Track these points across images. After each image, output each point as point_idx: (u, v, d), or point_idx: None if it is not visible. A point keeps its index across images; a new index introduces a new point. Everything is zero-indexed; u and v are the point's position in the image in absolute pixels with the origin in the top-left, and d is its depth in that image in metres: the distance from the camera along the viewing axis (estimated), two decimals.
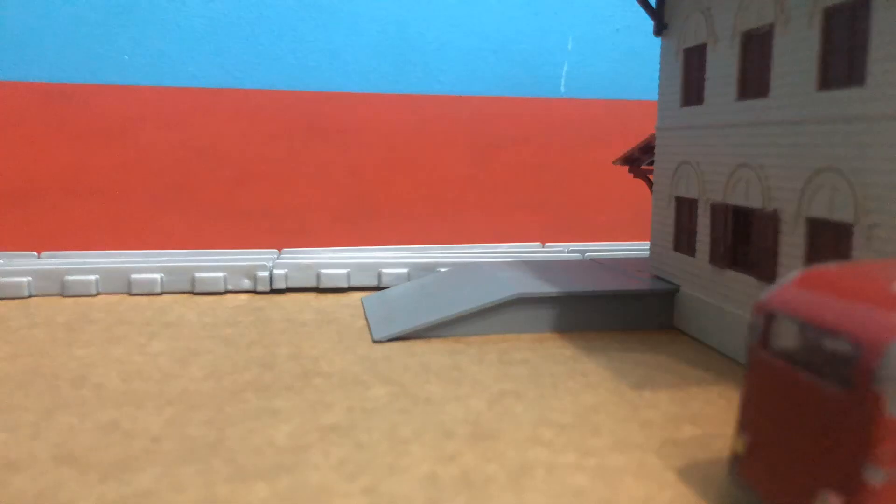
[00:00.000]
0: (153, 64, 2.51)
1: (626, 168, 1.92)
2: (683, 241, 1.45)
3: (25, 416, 0.97)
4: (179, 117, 2.51)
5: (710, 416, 0.98)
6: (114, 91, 2.49)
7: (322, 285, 1.74)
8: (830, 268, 0.73)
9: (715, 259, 1.32)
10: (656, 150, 1.57)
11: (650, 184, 1.68)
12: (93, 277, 1.65)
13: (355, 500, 0.75)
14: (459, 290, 1.50)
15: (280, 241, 2.13)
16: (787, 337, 0.69)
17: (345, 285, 1.75)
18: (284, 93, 2.58)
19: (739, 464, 0.73)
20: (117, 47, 2.50)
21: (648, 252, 1.61)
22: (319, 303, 1.65)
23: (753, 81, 1.22)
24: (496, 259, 1.90)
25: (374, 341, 1.32)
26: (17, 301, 1.61)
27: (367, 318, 1.48)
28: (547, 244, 2.16)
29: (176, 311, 1.56)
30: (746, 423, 0.73)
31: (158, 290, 1.68)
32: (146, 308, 1.58)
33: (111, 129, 2.47)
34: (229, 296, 1.70)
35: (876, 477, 0.57)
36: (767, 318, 0.71)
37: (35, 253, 1.88)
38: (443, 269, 1.76)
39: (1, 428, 0.93)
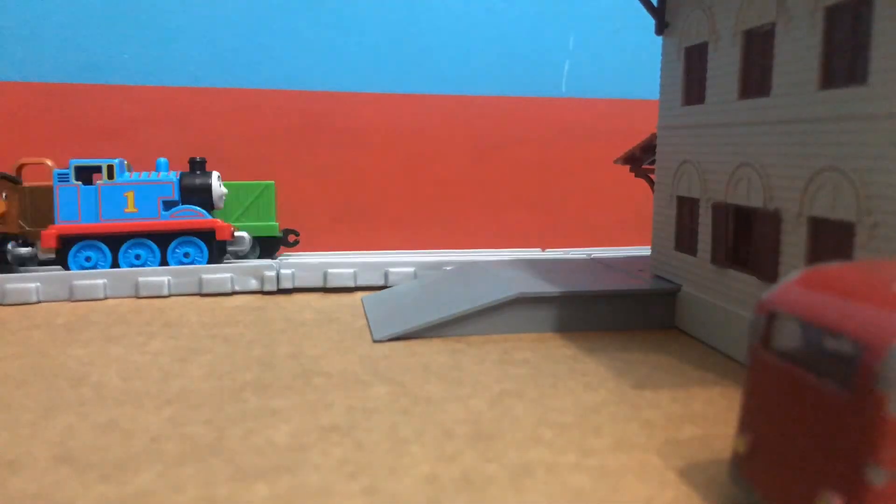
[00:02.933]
0: (153, 64, 2.51)
1: (627, 167, 1.92)
2: (685, 240, 1.45)
3: (25, 416, 0.96)
4: (179, 117, 2.50)
5: (711, 415, 0.98)
6: (114, 91, 2.49)
7: (329, 285, 1.73)
8: (832, 267, 0.73)
9: (716, 258, 1.32)
10: (657, 150, 1.56)
11: (651, 183, 1.67)
12: (100, 281, 1.65)
13: (355, 500, 0.75)
14: (460, 290, 1.50)
15: None
16: (788, 337, 0.69)
17: (351, 285, 1.74)
18: (284, 93, 2.58)
19: (741, 464, 0.72)
20: (117, 47, 2.50)
21: (650, 253, 1.60)
22: (320, 303, 1.65)
23: (755, 80, 1.22)
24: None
25: (375, 341, 1.32)
26: (24, 306, 1.60)
27: (367, 318, 1.48)
28: (547, 249, 2.15)
29: (176, 311, 1.55)
30: (748, 422, 0.72)
31: (166, 292, 1.67)
32: (146, 309, 1.57)
33: (111, 130, 2.47)
34: (233, 296, 1.70)
35: (877, 477, 0.57)
36: (769, 317, 0.71)
37: None
38: (446, 268, 1.76)
39: (1, 427, 0.93)
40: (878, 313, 0.60)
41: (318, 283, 1.74)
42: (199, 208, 1.78)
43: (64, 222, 1.73)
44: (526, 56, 2.75)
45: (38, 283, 1.63)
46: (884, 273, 0.69)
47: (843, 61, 1.02)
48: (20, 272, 1.74)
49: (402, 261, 1.80)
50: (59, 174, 1.74)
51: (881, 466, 0.57)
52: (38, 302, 1.63)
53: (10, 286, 1.61)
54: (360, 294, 1.73)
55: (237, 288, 1.70)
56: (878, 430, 0.57)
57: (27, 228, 1.80)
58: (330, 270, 1.74)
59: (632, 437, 0.91)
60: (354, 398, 1.03)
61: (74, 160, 1.76)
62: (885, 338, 0.57)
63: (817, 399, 0.63)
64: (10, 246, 1.76)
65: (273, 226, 1.92)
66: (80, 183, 1.74)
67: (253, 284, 1.70)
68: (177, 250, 1.76)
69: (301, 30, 2.59)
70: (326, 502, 0.75)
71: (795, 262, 1.09)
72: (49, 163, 1.86)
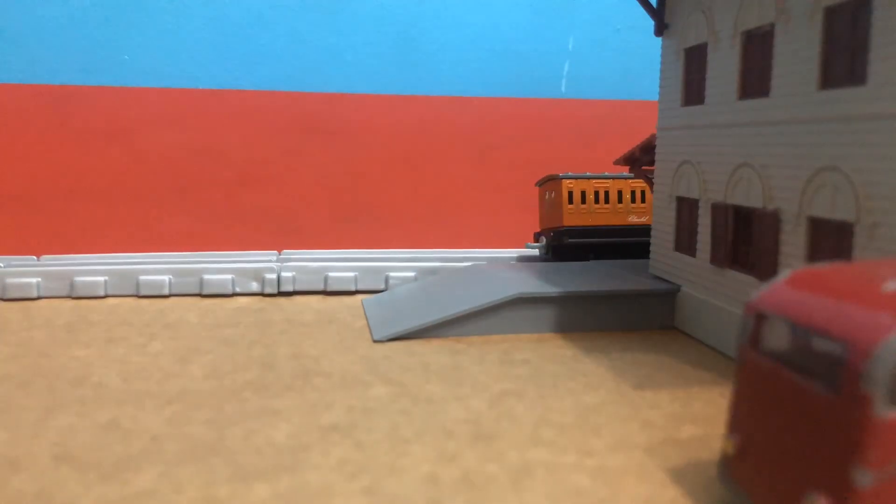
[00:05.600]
0: (153, 65, 2.52)
1: (626, 168, 1.92)
2: (684, 240, 1.45)
3: (25, 416, 0.96)
4: (179, 118, 2.51)
5: (711, 415, 0.98)
6: (114, 92, 2.49)
7: (329, 288, 1.74)
8: (821, 268, 0.73)
9: (716, 259, 1.32)
10: (657, 150, 1.56)
11: (651, 184, 1.67)
12: (101, 279, 1.65)
13: (355, 500, 0.75)
14: (460, 290, 1.50)
15: (279, 242, 2.13)
16: (777, 337, 0.69)
17: (352, 288, 1.74)
18: (284, 93, 2.58)
19: (729, 465, 0.72)
20: (117, 48, 2.50)
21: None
22: (320, 304, 1.65)
23: (754, 81, 1.22)
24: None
25: (375, 341, 1.32)
26: (24, 302, 1.61)
27: (367, 319, 1.48)
28: None
29: (177, 312, 1.56)
30: (736, 424, 0.72)
31: (166, 291, 1.68)
32: (146, 310, 1.58)
33: (111, 131, 2.48)
34: (233, 298, 1.70)
35: (864, 479, 0.57)
36: (758, 318, 0.70)
37: (34, 257, 1.88)
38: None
39: (1, 427, 0.93)
40: (865, 314, 0.60)
41: (319, 287, 1.74)
42: None
43: None
44: (526, 57, 2.75)
45: (39, 279, 1.63)
46: (873, 273, 0.69)
47: (843, 61, 1.02)
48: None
49: (403, 265, 1.80)
50: None
51: (867, 467, 0.56)
52: (39, 298, 1.63)
53: (10, 281, 1.62)
54: (358, 296, 1.73)
55: (238, 290, 1.70)
56: (864, 431, 0.56)
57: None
58: (331, 274, 1.74)
59: (632, 437, 0.91)
60: (354, 398, 1.03)
61: None
62: (872, 338, 0.57)
63: (804, 400, 0.63)
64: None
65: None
66: None
67: (254, 287, 1.71)
68: None
69: (301, 31, 2.59)
70: (326, 502, 0.75)
71: (795, 262, 1.09)
72: None
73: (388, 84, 2.66)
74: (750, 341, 0.71)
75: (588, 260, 1.88)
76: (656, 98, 1.56)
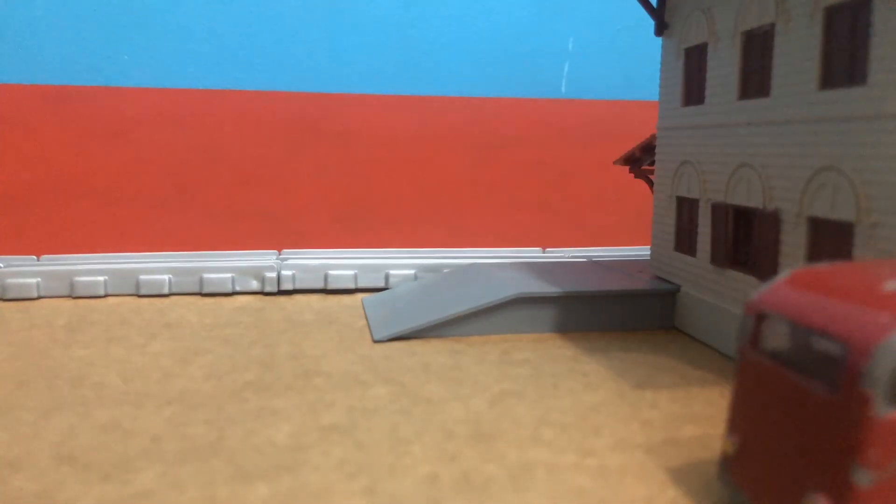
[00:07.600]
0: (153, 65, 2.52)
1: (626, 168, 1.92)
2: (684, 240, 1.45)
3: (25, 416, 0.96)
4: (180, 119, 2.51)
5: (711, 415, 0.98)
6: (114, 93, 2.49)
7: (329, 287, 1.74)
8: (821, 267, 0.73)
9: (716, 259, 1.32)
10: (657, 150, 1.56)
11: (651, 184, 1.67)
12: (101, 279, 1.66)
13: (355, 500, 0.75)
14: (460, 290, 1.50)
15: (279, 242, 2.13)
16: (776, 337, 0.69)
17: (352, 286, 1.75)
18: (285, 94, 2.58)
19: (729, 465, 0.72)
20: (118, 49, 2.50)
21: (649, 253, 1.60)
22: (321, 304, 1.65)
23: (754, 81, 1.22)
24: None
25: (375, 341, 1.32)
26: (24, 302, 1.61)
27: (367, 319, 1.48)
28: (547, 249, 2.15)
29: (177, 312, 1.56)
30: (736, 423, 0.72)
31: (166, 290, 1.68)
32: (146, 310, 1.58)
33: (111, 131, 2.47)
34: (232, 297, 1.70)
35: (863, 478, 0.57)
36: (758, 318, 0.70)
37: (34, 257, 1.88)
38: (446, 270, 1.76)
39: (1, 427, 0.93)
40: (865, 313, 0.60)
41: (319, 285, 1.74)
42: None
43: None
44: (526, 57, 2.75)
45: (39, 279, 1.64)
46: (872, 273, 0.69)
47: (843, 61, 1.02)
48: None
49: (402, 263, 1.80)
50: None
51: (867, 467, 0.56)
52: (39, 298, 1.64)
53: (10, 281, 1.62)
54: (360, 295, 1.73)
55: (238, 288, 1.71)
56: (863, 431, 0.56)
57: None
58: (330, 272, 1.74)
59: (632, 437, 0.91)
60: (354, 398, 1.03)
61: None
62: (871, 338, 0.57)
63: (804, 400, 0.63)
64: None
65: None
66: None
67: (254, 285, 1.71)
68: None
69: (301, 32, 2.59)
70: (326, 502, 0.75)
71: (795, 262, 1.09)
72: None
73: (388, 84, 2.66)
74: (750, 341, 0.71)
75: None
76: (656, 98, 1.56)
